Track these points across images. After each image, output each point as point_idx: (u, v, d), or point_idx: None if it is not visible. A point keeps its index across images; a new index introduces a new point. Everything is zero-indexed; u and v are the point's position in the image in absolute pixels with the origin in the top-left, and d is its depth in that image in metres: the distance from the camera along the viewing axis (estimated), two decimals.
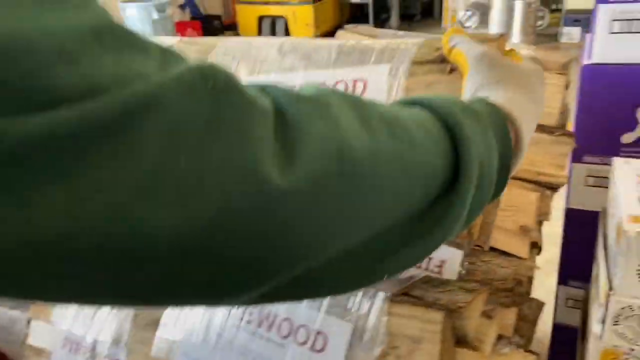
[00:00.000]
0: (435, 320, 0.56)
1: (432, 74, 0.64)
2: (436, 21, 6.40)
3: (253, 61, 0.71)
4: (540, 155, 0.80)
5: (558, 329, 1.27)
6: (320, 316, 0.62)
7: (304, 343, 0.62)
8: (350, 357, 0.59)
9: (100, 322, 1.01)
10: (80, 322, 1.02)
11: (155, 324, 0.71)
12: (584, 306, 1.02)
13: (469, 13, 4.19)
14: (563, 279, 1.21)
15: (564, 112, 0.81)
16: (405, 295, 0.59)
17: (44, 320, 1.06)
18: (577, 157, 1.01)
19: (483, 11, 4.15)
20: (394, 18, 6.96)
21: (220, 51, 0.74)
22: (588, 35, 0.99)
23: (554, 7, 4.89)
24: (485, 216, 0.64)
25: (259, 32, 6.85)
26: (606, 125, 0.94)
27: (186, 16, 7.10)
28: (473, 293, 0.61)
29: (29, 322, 1.11)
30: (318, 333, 0.62)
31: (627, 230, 0.60)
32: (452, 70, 0.63)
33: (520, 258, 0.79)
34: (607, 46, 0.89)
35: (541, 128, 0.79)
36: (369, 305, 0.59)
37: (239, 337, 0.66)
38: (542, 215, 0.74)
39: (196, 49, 0.75)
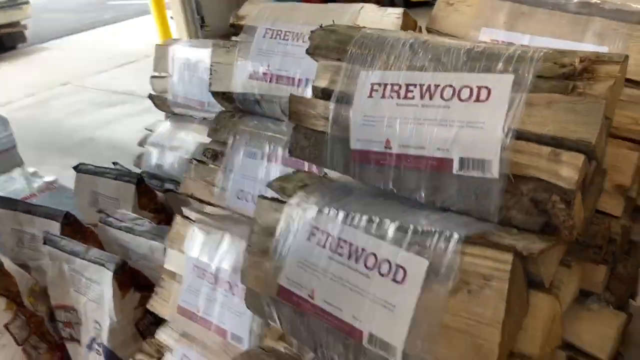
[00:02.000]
0: (505, 260, 0.62)
1: (554, 92, 0.67)
2: None
3: (387, 56, 0.79)
4: (637, 112, 0.80)
5: None
6: (401, 252, 0.70)
7: (386, 274, 0.71)
8: (426, 289, 0.67)
9: (222, 253, 1.18)
10: (206, 253, 1.20)
11: (267, 251, 0.84)
12: None
13: None
14: None
15: None
16: (481, 239, 0.65)
17: (177, 249, 1.26)
18: None
19: None
20: None
21: (358, 42, 0.84)
22: None
23: None
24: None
25: None
26: None
27: None
28: (549, 243, 0.65)
29: (165, 250, 1.32)
30: (399, 267, 0.70)
31: None
32: (575, 88, 0.65)
33: (613, 216, 0.80)
34: None
35: (635, 83, 0.78)
36: (445, 244, 0.66)
37: (332, 267, 0.76)
38: None
39: (335, 38, 0.84)
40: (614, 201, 0.84)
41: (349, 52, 0.84)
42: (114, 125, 3.71)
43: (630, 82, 0.84)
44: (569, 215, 0.66)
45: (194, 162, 1.32)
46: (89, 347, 1.39)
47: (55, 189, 1.95)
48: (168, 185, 1.72)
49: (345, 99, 0.83)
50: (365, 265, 0.74)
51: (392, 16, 1.10)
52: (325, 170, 0.97)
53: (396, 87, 0.79)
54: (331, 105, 0.84)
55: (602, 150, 0.68)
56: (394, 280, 0.71)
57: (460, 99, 0.73)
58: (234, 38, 1.29)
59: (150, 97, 1.85)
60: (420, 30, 1.14)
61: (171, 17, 6.07)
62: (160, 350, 1.28)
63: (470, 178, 0.72)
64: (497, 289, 0.63)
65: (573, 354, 0.80)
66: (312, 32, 0.90)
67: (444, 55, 0.77)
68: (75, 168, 1.83)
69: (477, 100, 0.72)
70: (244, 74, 1.26)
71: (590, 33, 0.94)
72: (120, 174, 1.70)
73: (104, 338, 1.34)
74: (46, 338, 1.47)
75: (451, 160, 0.74)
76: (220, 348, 1.17)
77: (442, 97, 0.75)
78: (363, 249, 0.75)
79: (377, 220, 0.75)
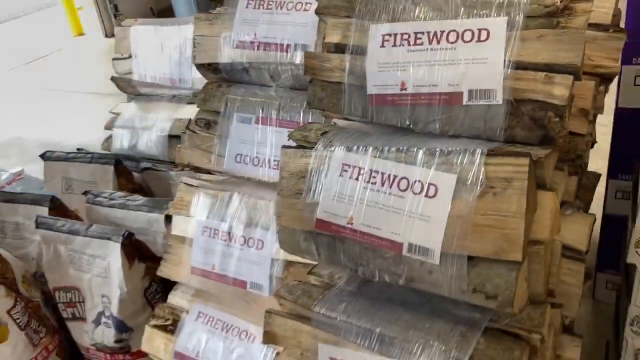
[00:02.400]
0: (523, 164, 0.77)
1: (542, 28, 0.82)
2: None
3: (392, 10, 0.91)
4: (596, 51, 0.98)
5: (608, 218, 1.46)
6: (431, 172, 0.84)
7: (419, 193, 0.84)
8: (457, 198, 0.81)
9: (233, 211, 1.26)
10: (216, 213, 1.28)
11: (300, 192, 0.95)
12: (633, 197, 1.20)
13: None
14: (613, 173, 1.39)
15: (616, 15, 0.98)
16: (500, 150, 0.80)
17: (184, 215, 1.32)
18: (627, 60, 1.18)
19: None
20: None
21: (363, 2, 0.92)
22: None
23: None
24: None
25: None
26: None
27: None
28: (549, 150, 0.82)
29: (166, 219, 1.37)
30: (430, 184, 0.84)
31: None
32: (558, 23, 0.80)
33: (580, 135, 0.98)
34: None
35: (596, 26, 0.96)
36: (471, 158, 0.81)
37: (367, 194, 0.89)
38: (597, 109, 0.93)
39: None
40: (579, 122, 1.03)
41: (357, 9, 0.96)
42: (41, 123, 3.57)
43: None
44: (562, 127, 0.83)
45: (188, 132, 1.38)
46: (96, 322, 1.43)
47: (22, 178, 1.91)
48: (145, 164, 1.75)
49: (359, 51, 0.95)
50: (399, 188, 0.87)
51: None
52: (334, 120, 1.08)
53: (405, 36, 0.91)
54: (346, 57, 0.96)
55: (582, 70, 0.85)
56: (427, 196, 0.84)
57: (464, 41, 0.88)
58: (215, 10, 1.36)
59: (113, 79, 1.86)
60: None
61: (79, 8, 5.83)
62: (173, 313, 1.35)
63: (478, 107, 0.87)
64: (518, 187, 0.78)
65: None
66: None
67: (443, 5, 0.91)
68: (42, 156, 1.80)
69: (479, 40, 0.87)
70: (229, 44, 1.34)
71: None
72: (95, 157, 1.71)
73: (114, 310, 1.38)
74: (44, 322, 1.48)
75: (461, 93, 0.88)
76: (237, 299, 1.26)
77: (447, 40, 0.89)
78: (395, 175, 0.88)
79: (404, 148, 0.88)
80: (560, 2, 0.83)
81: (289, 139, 1.01)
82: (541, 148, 0.84)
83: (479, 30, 0.87)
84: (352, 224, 0.91)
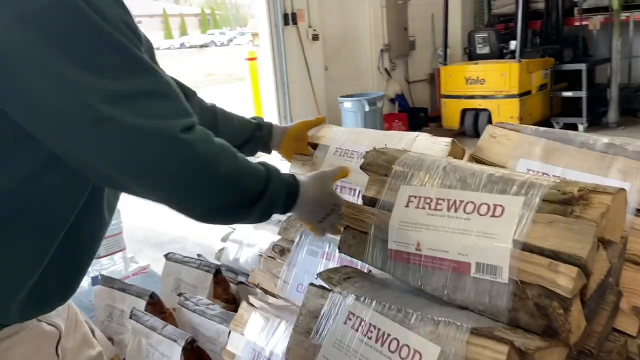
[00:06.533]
0: (502, 350, 0.73)
1: (555, 213, 0.82)
2: None
3: (424, 174, 0.98)
4: None
5: None
6: (419, 339, 0.82)
7: (485, 214, 0.85)
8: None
9: (277, 338, 1.31)
10: (263, 337, 1.34)
11: (310, 331, 0.98)
12: None
13: None
14: None
15: None
16: (485, 331, 0.76)
17: (239, 332, 1.41)
18: None
19: None
20: (613, 112, 6.55)
21: (401, 162, 1.02)
22: None
23: None
24: None
25: (461, 124, 7.07)
26: None
27: (395, 109, 7.77)
28: (547, 343, 0.75)
29: (229, 333, 1.47)
30: (416, 351, 0.82)
31: None
32: (572, 212, 0.80)
33: (630, 336, 0.88)
34: None
35: None
36: (455, 333, 0.78)
37: (361, 347, 0.89)
38: None
39: (384, 157, 1.04)
40: (629, 321, 0.91)
41: (393, 170, 1.02)
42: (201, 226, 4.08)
43: None
44: (566, 320, 0.76)
45: (264, 256, 1.50)
46: None
47: (147, 272, 2.21)
48: (240, 278, 1.91)
49: (387, 207, 1.00)
50: (389, 349, 0.86)
51: (441, 144, 1.28)
52: (370, 267, 1.11)
53: (428, 200, 0.95)
54: (376, 211, 1.01)
55: (593, 264, 0.78)
56: (492, 216, 0.85)
57: (479, 213, 0.88)
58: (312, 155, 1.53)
59: None
60: (468, 159, 1.31)
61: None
62: None
63: (484, 281, 0.84)
64: None
65: None
66: (366, 152, 1.09)
67: (469, 177, 0.93)
68: (166, 256, 2.08)
69: (493, 215, 0.86)
70: None
71: (615, 170, 1.07)
72: (201, 264, 1.92)
73: None
74: None
75: (469, 264, 0.86)
76: None
77: (464, 210, 0.90)
78: (389, 334, 0.87)
79: (403, 309, 0.88)
80: (579, 191, 0.80)
81: (316, 278, 1.07)
82: (542, 339, 0.77)
83: (495, 205, 0.87)
84: None
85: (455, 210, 0.91)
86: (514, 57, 6.51)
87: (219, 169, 0.87)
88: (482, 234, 0.86)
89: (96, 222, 1.01)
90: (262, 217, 0.99)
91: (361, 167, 1.09)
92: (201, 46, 39.58)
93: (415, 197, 0.97)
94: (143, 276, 2.16)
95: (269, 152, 1.50)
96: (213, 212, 0.93)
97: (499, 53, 6.95)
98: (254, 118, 1.49)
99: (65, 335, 1.08)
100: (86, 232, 0.99)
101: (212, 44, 40.35)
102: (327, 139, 1.51)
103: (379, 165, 1.06)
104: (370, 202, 1.04)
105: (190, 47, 39.22)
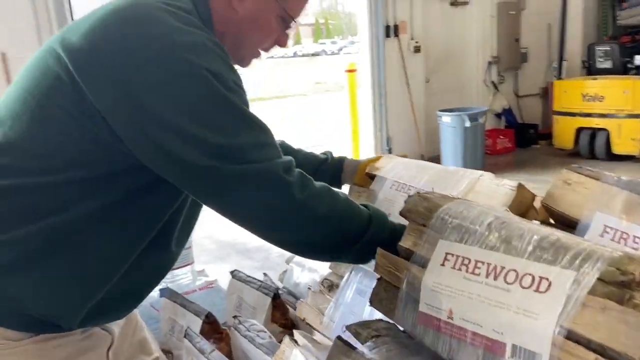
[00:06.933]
0: None
1: (610, 299, 0.65)
2: None
3: (464, 231, 0.85)
4: None
5: None
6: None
7: (529, 287, 0.73)
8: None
9: None
10: None
11: None
12: None
13: None
14: None
15: None
16: None
17: None
18: None
19: None
20: None
21: (444, 211, 0.92)
22: None
23: None
24: None
25: (576, 144, 6.55)
26: None
27: (501, 124, 7.32)
28: None
29: None
30: (542, 278, 0.72)
31: None
32: (631, 298, 0.64)
33: None
34: None
35: None
36: None
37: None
38: None
39: (426, 204, 0.94)
40: None
41: (433, 220, 0.91)
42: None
43: None
44: None
45: (312, 289, 1.44)
46: None
47: (213, 288, 2.23)
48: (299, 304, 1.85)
49: (422, 263, 0.89)
50: (505, 281, 0.76)
51: (506, 187, 1.14)
52: None
53: (466, 261, 0.82)
54: (409, 265, 0.90)
55: None
56: (537, 290, 0.72)
57: (521, 285, 0.74)
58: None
59: None
60: (539, 208, 1.15)
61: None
62: None
63: None
64: None
65: None
66: (408, 197, 0.99)
67: (515, 239, 0.79)
68: (232, 273, 2.08)
69: (537, 290, 0.72)
70: None
71: None
72: (262, 286, 1.89)
73: None
74: None
75: (504, 345, 0.73)
76: None
77: (505, 280, 0.76)
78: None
79: None
80: None
81: (343, 331, 0.98)
82: None
83: (541, 278, 0.73)
84: None
85: (495, 278, 0.78)
86: (638, 73, 5.88)
87: (317, 209, 0.96)
88: (522, 311, 0.73)
89: (164, 249, 1.08)
90: (361, 257, 1.04)
91: (400, 213, 0.99)
92: (313, 55, 40.59)
93: (452, 255, 0.85)
94: (209, 291, 2.19)
95: (339, 186, 1.44)
96: (309, 248, 1.01)
97: (622, 68, 6.33)
98: (323, 153, 1.47)
99: (120, 340, 1.12)
100: (156, 254, 1.07)
101: (323, 52, 41.23)
102: (385, 170, 1.41)
103: (419, 213, 0.94)
104: (405, 254, 0.93)
105: (303, 55, 40.33)
